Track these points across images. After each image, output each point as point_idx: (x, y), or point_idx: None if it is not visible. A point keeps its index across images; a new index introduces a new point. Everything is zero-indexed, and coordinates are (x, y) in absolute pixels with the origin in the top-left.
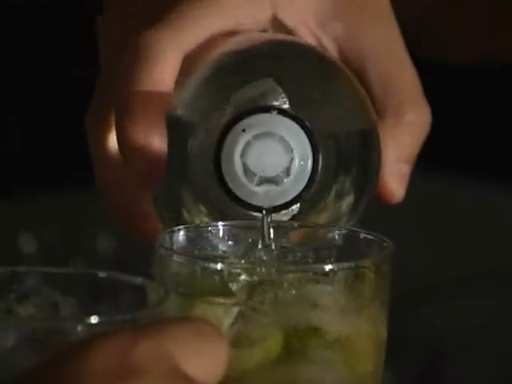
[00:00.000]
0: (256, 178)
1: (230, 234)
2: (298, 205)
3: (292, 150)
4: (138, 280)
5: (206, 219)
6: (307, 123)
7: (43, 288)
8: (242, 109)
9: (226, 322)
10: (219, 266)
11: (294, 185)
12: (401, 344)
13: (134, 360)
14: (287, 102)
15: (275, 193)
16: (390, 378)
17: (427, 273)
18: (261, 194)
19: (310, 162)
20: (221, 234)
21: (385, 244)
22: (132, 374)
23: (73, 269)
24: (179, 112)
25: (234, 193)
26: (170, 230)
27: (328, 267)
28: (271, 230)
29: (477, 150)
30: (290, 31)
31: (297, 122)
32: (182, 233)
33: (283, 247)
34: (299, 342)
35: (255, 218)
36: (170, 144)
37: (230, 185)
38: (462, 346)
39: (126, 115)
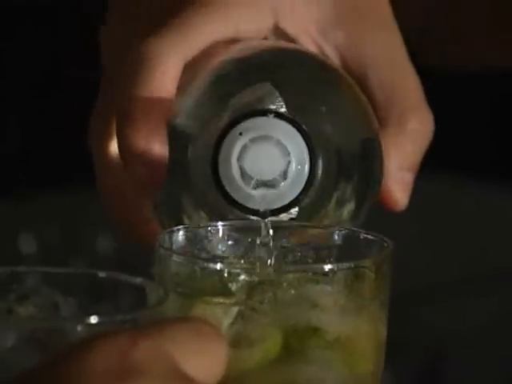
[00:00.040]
0: (253, 182)
1: (230, 234)
2: (297, 209)
3: (289, 154)
4: (138, 280)
5: None
6: (304, 127)
7: (43, 288)
8: (240, 112)
9: (226, 321)
10: (219, 266)
11: (291, 188)
12: (401, 344)
13: (133, 360)
14: (284, 106)
15: (272, 196)
16: (390, 378)
17: (427, 273)
18: (258, 198)
19: (307, 166)
20: (220, 234)
21: (385, 244)
22: (132, 374)
23: (73, 269)
24: (180, 119)
25: (231, 196)
26: (169, 230)
27: (328, 267)
28: (270, 233)
29: (477, 150)
30: (291, 39)
31: (294, 126)
32: (181, 233)
33: (283, 247)
34: (299, 342)
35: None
36: (171, 151)
37: (228, 188)
38: (461, 346)
39: (127, 121)
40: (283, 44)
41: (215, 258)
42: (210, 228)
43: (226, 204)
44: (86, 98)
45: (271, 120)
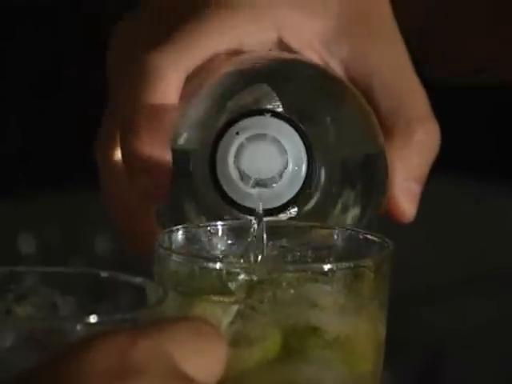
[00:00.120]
0: (250, 181)
1: (229, 234)
2: (296, 208)
3: (286, 152)
4: (138, 280)
5: None
6: (301, 126)
7: (42, 288)
8: (237, 112)
9: (225, 321)
10: (218, 265)
11: (288, 187)
12: (400, 344)
13: (133, 360)
14: (281, 106)
15: (270, 195)
16: (390, 378)
17: (427, 273)
18: (256, 197)
19: (304, 164)
20: (220, 233)
21: (384, 244)
22: (131, 374)
23: (72, 268)
24: (182, 130)
25: (229, 196)
26: (168, 230)
27: (327, 267)
28: (264, 233)
29: (477, 151)
30: (295, 53)
31: (291, 125)
32: (180, 233)
33: (282, 247)
34: (298, 341)
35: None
36: (174, 161)
37: (225, 188)
38: (461, 346)
39: (131, 131)
40: (286, 55)
41: (215, 258)
42: (209, 228)
43: (225, 205)
44: (86, 98)
45: (268, 119)
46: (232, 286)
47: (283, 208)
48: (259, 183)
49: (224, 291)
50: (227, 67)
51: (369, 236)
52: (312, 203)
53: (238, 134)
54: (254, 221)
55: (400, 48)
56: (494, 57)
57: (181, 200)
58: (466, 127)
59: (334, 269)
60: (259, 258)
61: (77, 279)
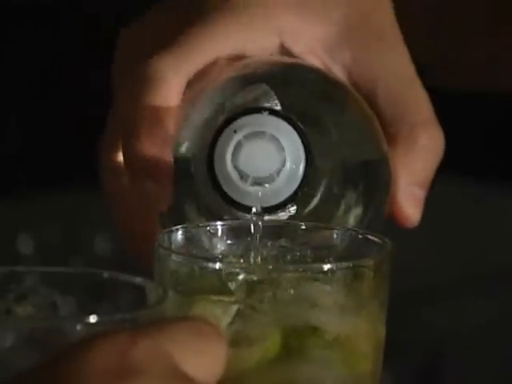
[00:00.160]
0: (248, 179)
1: (229, 234)
2: (295, 207)
3: (284, 150)
4: (138, 280)
5: None
6: (299, 123)
7: (42, 288)
8: (234, 111)
9: (225, 321)
10: (218, 265)
11: (287, 185)
12: (400, 344)
13: (133, 359)
14: (279, 105)
15: (268, 193)
16: (389, 378)
17: (427, 273)
18: (254, 195)
19: (302, 162)
20: (219, 233)
21: (384, 244)
22: (131, 374)
23: (71, 268)
24: (184, 138)
25: (227, 194)
26: (168, 229)
27: (327, 267)
28: (261, 232)
29: (476, 151)
30: (296, 58)
31: (289, 123)
32: (180, 232)
33: (282, 247)
34: (298, 341)
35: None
36: (175, 165)
37: (224, 186)
38: (461, 346)
39: (133, 134)
40: (288, 59)
41: (214, 258)
42: (209, 228)
43: (224, 204)
44: (86, 97)
45: (265, 117)
46: (232, 285)
47: (282, 206)
48: (257, 181)
49: (224, 291)
50: (228, 72)
51: (368, 236)
52: (314, 207)
53: (235, 132)
54: (252, 219)
55: (402, 52)
56: (494, 57)
57: (181, 201)
58: (465, 128)
59: (334, 269)
60: (259, 257)
61: (77, 279)
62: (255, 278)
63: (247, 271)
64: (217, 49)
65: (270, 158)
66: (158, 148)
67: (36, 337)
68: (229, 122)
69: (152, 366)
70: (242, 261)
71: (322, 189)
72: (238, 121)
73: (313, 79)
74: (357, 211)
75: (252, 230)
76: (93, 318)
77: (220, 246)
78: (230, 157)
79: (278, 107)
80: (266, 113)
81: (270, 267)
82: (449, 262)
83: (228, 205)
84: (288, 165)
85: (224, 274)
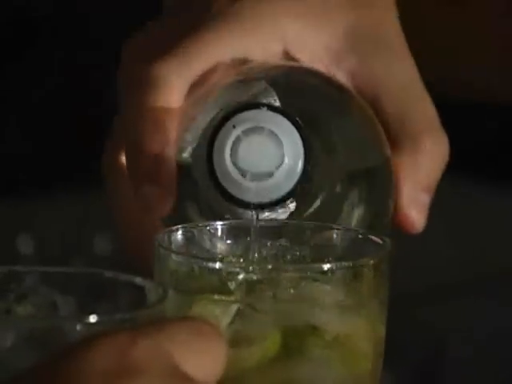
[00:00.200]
0: (247, 174)
1: (229, 234)
2: (294, 203)
3: (282, 145)
4: (137, 279)
5: None
6: (298, 119)
7: (42, 287)
8: (233, 106)
9: (225, 321)
10: (218, 264)
11: (285, 180)
12: (400, 344)
13: (133, 359)
14: (278, 101)
15: (267, 188)
16: (389, 378)
17: (427, 273)
18: (253, 190)
19: (301, 157)
20: (219, 233)
21: (383, 243)
22: (131, 373)
23: (71, 268)
24: (186, 145)
25: (226, 190)
26: (168, 229)
27: (326, 266)
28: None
29: (476, 151)
30: (300, 63)
31: (287, 118)
32: (180, 232)
33: (282, 246)
34: (298, 341)
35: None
36: (179, 175)
37: (222, 181)
38: (461, 346)
39: (135, 140)
40: (291, 63)
41: (214, 257)
42: (209, 228)
43: (224, 201)
44: (86, 97)
45: (264, 112)
46: (232, 285)
47: (281, 202)
48: (256, 176)
49: (224, 291)
50: (231, 76)
51: (368, 236)
52: (316, 209)
53: (234, 127)
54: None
55: (408, 60)
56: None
57: (184, 205)
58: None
59: (334, 268)
60: (259, 257)
61: (77, 279)
62: (255, 277)
63: (247, 271)
64: (220, 54)
65: (268, 154)
66: (161, 152)
67: (36, 337)
68: (228, 117)
69: (152, 365)
70: (241, 260)
71: (323, 190)
72: (237, 116)
73: (316, 83)
74: (360, 214)
75: (252, 229)
76: (93, 318)
77: (220, 246)
78: (229, 152)
79: (277, 103)
80: (265, 108)
81: (270, 267)
82: (448, 262)
83: (227, 201)
84: (286, 160)
85: (224, 274)
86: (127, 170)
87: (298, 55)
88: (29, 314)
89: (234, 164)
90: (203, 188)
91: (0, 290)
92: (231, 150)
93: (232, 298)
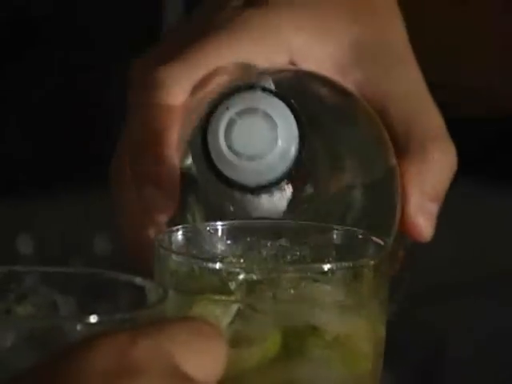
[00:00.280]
0: (242, 155)
1: (229, 234)
2: (290, 186)
3: (276, 126)
4: (138, 280)
5: None
6: (293, 101)
7: (42, 287)
8: (228, 88)
9: (225, 321)
10: (218, 265)
11: (280, 161)
12: (400, 344)
13: (133, 359)
14: (272, 85)
15: (262, 169)
16: (389, 378)
17: (427, 273)
18: (248, 172)
19: (295, 139)
20: (219, 233)
21: (384, 244)
22: (131, 374)
23: (71, 268)
24: (187, 152)
25: (222, 173)
26: (168, 230)
27: (327, 266)
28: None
29: (477, 151)
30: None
31: (282, 100)
32: (180, 232)
33: (282, 246)
34: (298, 341)
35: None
36: (181, 181)
37: (218, 164)
38: (461, 346)
39: (138, 145)
40: (297, 68)
41: (214, 258)
42: (209, 228)
43: (221, 187)
44: (86, 97)
45: (258, 94)
46: (232, 285)
47: (276, 184)
48: (250, 158)
49: (224, 291)
50: (235, 82)
51: (368, 236)
52: (317, 214)
53: (228, 109)
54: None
55: (414, 70)
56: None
57: (187, 210)
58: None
59: (334, 269)
60: (259, 257)
61: (77, 279)
62: (255, 277)
63: (247, 271)
64: (226, 61)
65: (262, 135)
66: (163, 153)
67: (36, 336)
68: (221, 98)
69: (152, 365)
70: (242, 261)
71: (326, 195)
72: (231, 98)
73: (321, 87)
74: (363, 219)
75: (254, 232)
76: (93, 318)
77: (220, 246)
78: (223, 134)
79: (272, 86)
80: (259, 90)
81: (270, 267)
82: (449, 262)
83: (222, 183)
84: (281, 141)
85: (224, 274)
86: (130, 171)
87: (303, 66)
88: (29, 314)
89: (229, 145)
90: (203, 182)
91: (0, 290)
92: (225, 131)
93: (232, 299)
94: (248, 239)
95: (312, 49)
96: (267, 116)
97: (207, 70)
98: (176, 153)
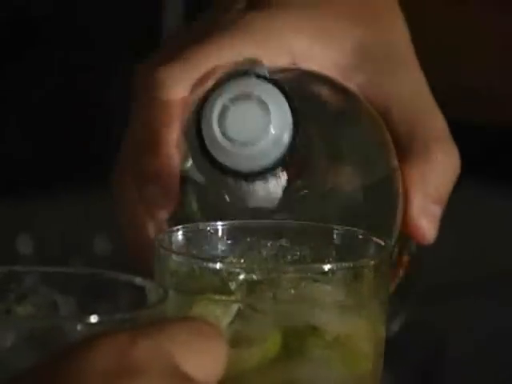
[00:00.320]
0: (235, 141)
1: (229, 234)
2: (285, 173)
3: (270, 112)
4: (138, 280)
5: None
6: (286, 87)
7: (42, 287)
8: (221, 76)
9: (225, 321)
10: (218, 265)
11: (274, 147)
12: (400, 344)
13: (133, 359)
14: (267, 72)
15: (256, 155)
16: (389, 378)
17: (426, 273)
18: (242, 158)
19: (289, 125)
20: (219, 233)
21: (384, 244)
22: (131, 374)
23: (72, 268)
24: (188, 155)
25: (216, 160)
26: (168, 230)
27: (327, 267)
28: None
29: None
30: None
31: (275, 86)
32: (180, 232)
33: (282, 246)
34: (298, 341)
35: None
36: (181, 180)
37: (211, 150)
38: (461, 346)
39: (140, 143)
40: (299, 67)
41: (215, 258)
42: (209, 227)
43: (215, 174)
44: (86, 97)
45: (252, 80)
46: (232, 285)
47: (270, 170)
48: (244, 144)
49: (224, 291)
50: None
51: (368, 236)
52: (319, 213)
53: (221, 95)
54: (239, 182)
55: (416, 70)
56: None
57: (185, 204)
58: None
59: (334, 269)
60: (259, 258)
61: (77, 279)
62: (255, 278)
63: (247, 271)
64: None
65: (256, 121)
66: (164, 152)
67: (36, 337)
68: (215, 85)
69: (152, 365)
70: (242, 261)
71: (327, 196)
72: (225, 84)
73: (323, 87)
74: (364, 220)
75: (254, 231)
76: (93, 318)
77: (220, 246)
78: (217, 120)
79: (267, 73)
80: (253, 76)
81: (270, 267)
82: (448, 262)
83: (216, 168)
84: (274, 127)
85: (224, 274)
86: (132, 170)
87: (305, 67)
88: (29, 314)
89: (222, 132)
90: (199, 174)
91: (0, 290)
92: (219, 117)
93: (232, 299)
94: (248, 239)
95: (313, 52)
96: (261, 102)
97: (208, 71)
98: (176, 150)
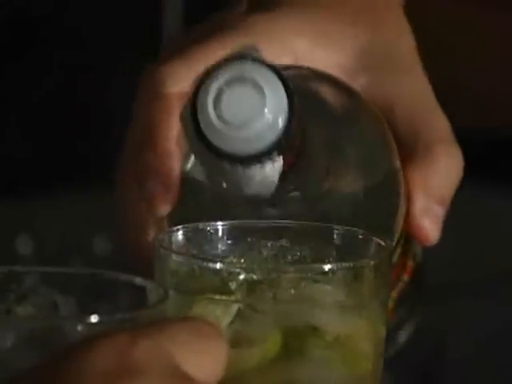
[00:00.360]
0: (231, 125)
1: (229, 234)
2: (281, 157)
3: (265, 96)
4: (138, 280)
5: None
6: (281, 71)
7: (42, 288)
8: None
9: (225, 321)
10: (218, 265)
11: (269, 130)
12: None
13: (133, 359)
14: (262, 57)
15: (251, 138)
16: (389, 378)
17: (426, 273)
18: (237, 141)
19: (285, 107)
20: (219, 233)
21: (384, 244)
22: (131, 374)
23: (72, 268)
24: (188, 156)
25: (212, 144)
26: (168, 230)
27: (327, 267)
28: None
29: (477, 151)
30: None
31: (271, 69)
32: (180, 232)
33: (282, 246)
34: (298, 341)
35: (254, 218)
36: (182, 184)
37: (207, 134)
38: (461, 346)
39: (138, 146)
40: (300, 65)
41: (215, 258)
42: (209, 227)
43: (209, 153)
44: (86, 97)
45: (247, 64)
46: (232, 285)
47: (266, 153)
48: (239, 126)
49: (224, 291)
50: None
51: (369, 236)
52: (321, 213)
53: (217, 78)
54: (235, 167)
55: (418, 71)
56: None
57: (190, 206)
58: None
59: (334, 269)
60: (259, 258)
61: (77, 279)
62: (255, 278)
63: (248, 271)
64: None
65: (251, 104)
66: (164, 148)
67: (36, 337)
68: (211, 69)
69: (152, 366)
70: (242, 261)
71: (328, 196)
72: (220, 68)
73: (325, 85)
74: (365, 219)
75: (254, 232)
76: (93, 318)
77: (220, 246)
78: (212, 103)
79: (262, 57)
80: (249, 60)
81: (271, 267)
82: (448, 262)
83: (211, 152)
84: (269, 110)
85: (224, 274)
86: (132, 169)
87: None
88: (29, 314)
89: (218, 115)
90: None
91: (0, 290)
92: (214, 101)
93: (232, 299)
94: (248, 239)
95: (315, 54)
96: (256, 85)
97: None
98: (176, 147)
